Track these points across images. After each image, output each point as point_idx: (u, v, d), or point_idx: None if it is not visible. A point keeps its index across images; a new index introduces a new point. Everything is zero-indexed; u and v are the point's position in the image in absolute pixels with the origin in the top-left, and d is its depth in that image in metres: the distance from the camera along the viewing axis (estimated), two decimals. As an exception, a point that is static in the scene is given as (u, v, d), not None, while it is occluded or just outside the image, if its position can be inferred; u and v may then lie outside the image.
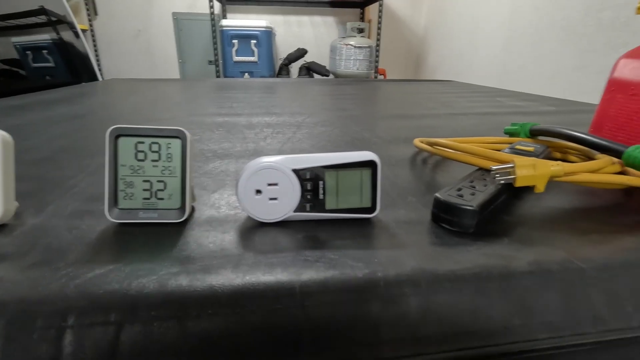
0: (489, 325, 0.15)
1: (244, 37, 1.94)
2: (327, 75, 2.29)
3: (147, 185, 0.22)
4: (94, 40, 2.44)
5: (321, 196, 0.23)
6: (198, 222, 0.22)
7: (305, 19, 2.51)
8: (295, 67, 2.36)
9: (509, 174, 0.24)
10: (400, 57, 2.64)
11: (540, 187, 0.24)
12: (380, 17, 2.17)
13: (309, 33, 2.55)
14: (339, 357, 0.15)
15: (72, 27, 1.40)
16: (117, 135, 0.21)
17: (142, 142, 0.22)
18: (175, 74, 2.58)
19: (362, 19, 2.51)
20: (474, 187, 0.24)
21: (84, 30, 2.39)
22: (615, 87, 0.37)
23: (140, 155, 0.22)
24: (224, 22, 1.96)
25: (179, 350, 0.14)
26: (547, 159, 0.34)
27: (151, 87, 1.02)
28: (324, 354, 0.15)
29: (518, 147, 0.33)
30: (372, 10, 2.33)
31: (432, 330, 0.15)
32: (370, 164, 0.23)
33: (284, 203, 0.22)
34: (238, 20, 2.00)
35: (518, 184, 0.24)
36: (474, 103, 0.79)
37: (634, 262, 0.17)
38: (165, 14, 2.43)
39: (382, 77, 2.49)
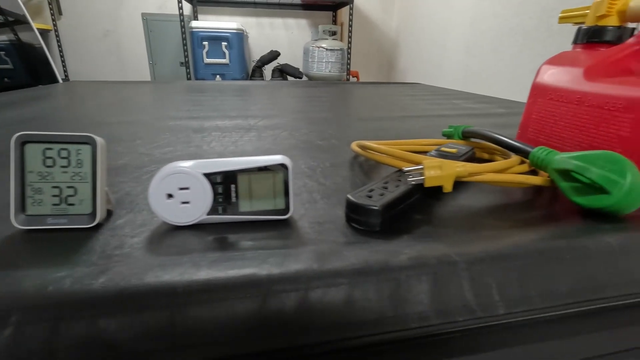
0: (364, 317, 0.16)
1: (215, 39, 1.93)
2: (301, 77, 2.30)
3: (56, 192, 0.22)
4: (58, 41, 2.36)
5: (234, 199, 0.23)
6: (111, 227, 0.23)
7: (278, 21, 2.52)
8: (269, 69, 2.36)
9: (420, 174, 0.26)
10: (373, 60, 2.69)
11: (448, 187, 0.26)
12: (350, 20, 2.20)
13: (283, 35, 2.56)
14: (216, 355, 0.15)
15: (29, 28, 1.35)
16: (24, 141, 0.21)
17: (51, 149, 0.22)
18: (147, 76, 2.52)
19: (334, 21, 2.53)
20: (386, 188, 0.26)
21: (47, 31, 2.31)
22: (537, 92, 0.40)
23: (49, 162, 0.22)
24: (194, 23, 1.94)
25: (53, 352, 0.14)
26: (471, 159, 0.36)
27: (113, 90, 1.00)
28: (196, 352, 0.15)
29: (444, 149, 0.35)
30: (344, 13, 2.36)
31: (309, 322, 0.16)
32: (282, 168, 0.24)
33: (196, 206, 0.23)
34: (208, 22, 1.99)
35: (427, 184, 0.26)
36: (431, 105, 0.82)
37: (505, 255, 0.19)
38: (134, 15, 2.37)
39: (355, 79, 2.52)
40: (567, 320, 0.20)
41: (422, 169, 0.26)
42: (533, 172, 0.32)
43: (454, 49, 1.82)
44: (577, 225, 0.23)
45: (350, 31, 2.23)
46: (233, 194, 0.23)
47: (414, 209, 0.27)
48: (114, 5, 2.34)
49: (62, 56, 2.39)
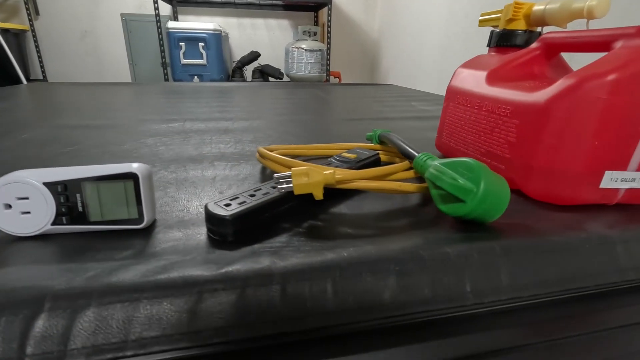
0: (165, 332, 0.16)
1: (192, 40, 1.92)
2: (281, 78, 2.29)
3: None
4: (35, 42, 2.33)
5: (80, 209, 0.23)
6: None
7: (259, 21, 2.51)
8: (249, 70, 2.35)
9: (290, 182, 0.26)
10: (355, 60, 2.69)
11: (318, 194, 0.26)
12: (329, 21, 2.20)
13: (264, 36, 2.55)
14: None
15: None
16: None
17: None
18: (127, 77, 2.50)
19: (316, 22, 2.53)
20: (253, 196, 0.25)
21: (24, 31, 2.28)
22: (449, 95, 0.39)
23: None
24: (170, 24, 1.92)
25: None
26: (374, 165, 0.36)
27: (79, 92, 0.98)
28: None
29: (345, 154, 0.35)
30: (325, 14, 2.35)
31: (82, 341, 0.15)
32: (132, 176, 0.23)
33: (38, 216, 0.22)
34: (185, 23, 1.97)
35: (297, 191, 0.26)
36: (387, 107, 0.82)
37: (325, 267, 0.18)
38: (113, 15, 2.35)
39: (337, 80, 2.52)
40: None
41: (290, 176, 0.25)
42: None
43: (429, 50, 1.83)
44: (433, 234, 0.23)
45: (329, 32, 2.23)
46: (79, 204, 0.23)
47: (288, 217, 0.26)
48: (92, 6, 2.31)
49: (39, 57, 2.36)
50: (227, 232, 0.23)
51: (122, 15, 2.35)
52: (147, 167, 0.24)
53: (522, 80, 0.34)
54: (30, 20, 2.28)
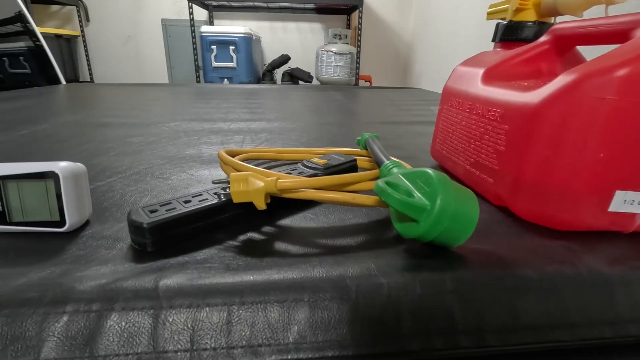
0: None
1: (223, 43, 1.96)
2: (310, 81, 2.28)
3: None
4: (85, 46, 2.50)
5: (1, 208, 0.21)
6: None
7: (291, 25, 2.52)
8: (280, 73, 2.36)
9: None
10: (388, 64, 2.62)
11: (259, 203, 0.23)
12: (360, 23, 2.16)
13: (296, 39, 2.55)
14: None
15: (32, 34, 1.42)
16: None
17: None
18: (165, 79, 2.61)
19: (348, 25, 2.50)
20: (188, 202, 0.23)
21: (75, 36, 2.45)
22: (444, 98, 0.35)
23: None
24: (203, 28, 1.98)
25: None
26: (347, 172, 0.32)
27: (111, 91, 1.03)
28: None
29: (315, 159, 0.31)
30: (356, 16, 2.31)
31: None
32: (52, 176, 0.21)
33: (-44, 215, 0.21)
34: (217, 27, 2.02)
35: (235, 200, 0.23)
36: (402, 111, 0.77)
37: (248, 287, 0.15)
38: (154, 21, 2.47)
39: (367, 83, 2.47)
40: None
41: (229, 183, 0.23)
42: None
43: (463, 54, 1.73)
44: (380, 259, 0.19)
45: (359, 35, 2.19)
46: (1, 203, 0.21)
47: (230, 227, 0.24)
48: (135, 12, 2.45)
49: (88, 60, 2.53)
50: (146, 242, 0.20)
51: (162, 20, 2.46)
52: (75, 167, 0.22)
53: (525, 79, 0.29)
54: (81, 26, 2.45)
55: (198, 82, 2.24)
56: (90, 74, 2.58)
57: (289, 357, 0.15)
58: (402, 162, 0.27)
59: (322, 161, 0.31)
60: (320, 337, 0.15)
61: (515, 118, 0.24)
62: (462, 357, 0.16)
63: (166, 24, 2.46)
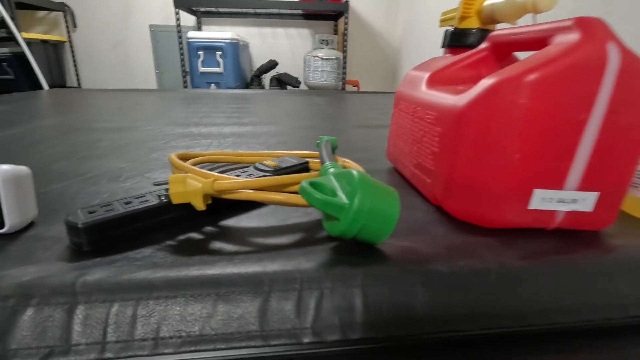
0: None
1: (209, 49, 1.97)
2: (298, 87, 2.30)
3: None
4: (72, 52, 2.49)
5: (-60, 211, 0.22)
6: None
7: (280, 30, 2.54)
8: (268, 78, 2.38)
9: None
10: (376, 68, 2.65)
11: (198, 204, 0.23)
12: (346, 29, 2.19)
13: (284, 45, 2.57)
14: None
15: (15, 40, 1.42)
16: None
17: None
18: (153, 84, 2.61)
19: (335, 31, 2.53)
20: (129, 204, 0.23)
21: (62, 42, 2.44)
22: (395, 101, 0.36)
23: None
24: (190, 34, 1.99)
25: None
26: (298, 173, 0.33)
27: (93, 97, 1.03)
28: None
29: (266, 162, 0.32)
30: (344, 22, 2.34)
31: None
32: (-7, 178, 0.22)
33: None
34: (204, 33, 2.03)
35: (174, 200, 0.24)
36: (381, 115, 0.79)
37: (162, 283, 0.16)
38: (142, 26, 2.47)
39: (355, 88, 2.49)
40: None
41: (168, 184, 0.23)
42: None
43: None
44: (306, 256, 0.20)
45: (345, 40, 2.21)
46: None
47: (175, 227, 0.24)
48: (123, 18, 2.45)
49: (75, 66, 2.52)
50: (81, 242, 0.21)
51: (150, 26, 2.46)
52: (18, 170, 0.23)
53: (465, 83, 0.30)
54: (68, 32, 2.45)
55: (185, 87, 2.25)
56: (78, 80, 2.57)
57: (197, 349, 0.15)
58: (351, 164, 0.28)
59: (273, 164, 0.31)
60: (231, 329, 0.16)
61: (446, 121, 0.25)
62: (364, 351, 0.17)
63: (154, 30, 2.47)
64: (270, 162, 0.32)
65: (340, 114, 0.81)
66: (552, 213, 0.23)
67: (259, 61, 2.53)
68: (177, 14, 2.05)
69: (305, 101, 1.06)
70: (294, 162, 0.33)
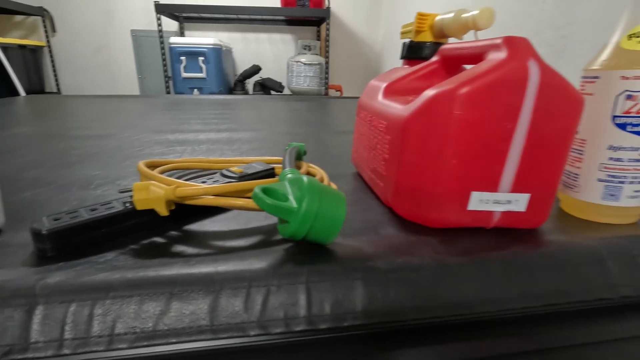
0: None
1: (192, 54, 1.97)
2: (281, 91, 2.32)
3: None
4: (51, 57, 2.45)
5: None
6: None
7: (263, 36, 2.56)
8: (252, 83, 2.39)
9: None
10: (358, 73, 2.69)
11: (161, 210, 0.25)
12: (328, 35, 2.22)
13: (268, 50, 2.59)
14: None
15: None
16: None
17: None
18: (136, 90, 2.59)
19: (318, 36, 2.56)
20: (94, 210, 0.25)
21: (40, 47, 2.40)
22: (357, 110, 0.38)
23: None
24: (172, 39, 1.99)
25: None
26: (261, 178, 0.35)
27: (72, 104, 1.02)
28: None
29: (233, 168, 0.34)
30: (325, 28, 2.38)
31: None
32: (-42, 189, 0.23)
33: None
34: (187, 38, 2.03)
35: (138, 207, 0.25)
36: (353, 120, 0.81)
37: (117, 283, 0.17)
38: (124, 31, 2.45)
39: (338, 93, 2.52)
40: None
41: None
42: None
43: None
44: (260, 256, 0.21)
45: (327, 46, 2.25)
46: None
47: (139, 232, 0.25)
48: (105, 23, 2.43)
49: (54, 71, 2.48)
50: (45, 248, 0.22)
51: (132, 31, 2.45)
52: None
53: (416, 94, 0.32)
54: (47, 37, 2.41)
55: (168, 92, 2.24)
56: (58, 86, 2.53)
57: (151, 343, 0.17)
58: (316, 169, 0.29)
59: (239, 170, 0.33)
60: (182, 324, 0.17)
61: (393, 129, 0.27)
62: (307, 342, 0.18)
63: (136, 35, 2.45)
64: (236, 169, 0.33)
65: (319, 119, 0.83)
66: (489, 213, 0.26)
67: (242, 66, 2.54)
68: (158, 19, 2.04)
69: (287, 107, 1.08)
70: (260, 168, 0.34)
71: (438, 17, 0.34)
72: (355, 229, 0.26)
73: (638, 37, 0.26)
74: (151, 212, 0.25)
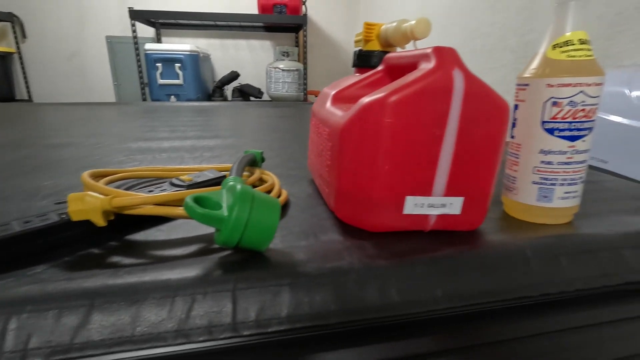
0: None
1: (168, 61, 1.95)
2: (260, 97, 2.32)
3: None
4: (22, 64, 2.38)
5: None
6: None
7: (242, 42, 2.56)
8: (230, 90, 2.38)
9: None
10: (337, 79, 2.69)
11: (98, 221, 0.25)
12: (305, 41, 2.24)
13: (246, 56, 2.59)
14: None
15: None
16: None
17: None
18: (111, 97, 2.54)
19: (297, 43, 2.58)
20: (27, 222, 0.24)
21: (10, 53, 2.33)
22: (311, 117, 0.39)
23: None
24: (148, 45, 1.97)
25: None
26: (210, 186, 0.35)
27: (40, 112, 0.99)
28: None
29: (183, 177, 0.34)
30: (303, 35, 2.40)
31: None
32: None
33: None
34: (163, 45, 2.02)
35: (74, 218, 0.25)
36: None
37: (38, 297, 0.17)
38: (99, 37, 2.41)
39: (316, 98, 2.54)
40: None
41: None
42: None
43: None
44: (190, 265, 0.21)
45: (305, 52, 2.27)
46: None
47: (75, 243, 0.25)
48: (78, 29, 2.38)
49: (25, 78, 2.41)
50: (-31, 262, 0.22)
51: (107, 37, 2.41)
52: None
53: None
54: (17, 43, 2.34)
55: (144, 99, 2.21)
56: (29, 93, 2.45)
57: (67, 357, 0.17)
58: (270, 176, 0.30)
59: (188, 178, 0.33)
60: (102, 336, 0.17)
61: (333, 136, 0.28)
62: (237, 348, 0.19)
63: (111, 41, 2.41)
64: (186, 177, 0.33)
65: (291, 125, 0.83)
66: (425, 217, 0.26)
67: (221, 72, 2.53)
68: (133, 25, 2.02)
69: (262, 113, 1.08)
70: (212, 176, 0.34)
71: (383, 27, 0.35)
72: (296, 234, 0.26)
73: (561, 47, 0.28)
74: (88, 223, 0.25)
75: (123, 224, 0.28)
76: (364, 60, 0.37)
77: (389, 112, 0.24)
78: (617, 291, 0.24)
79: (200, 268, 0.21)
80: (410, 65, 0.28)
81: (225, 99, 2.36)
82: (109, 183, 0.33)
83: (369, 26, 0.36)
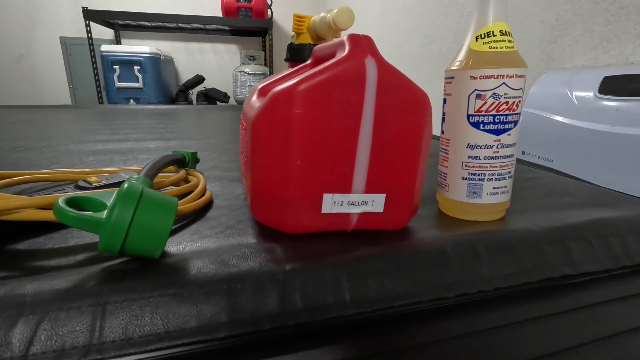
0: None
1: (127, 63, 1.87)
2: (226, 102, 2.26)
3: None
4: (-35, 65, 2.21)
5: None
6: None
7: (207, 46, 2.50)
8: (195, 94, 2.31)
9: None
10: (306, 84, 2.71)
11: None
12: (271, 46, 2.22)
13: (212, 60, 2.53)
14: None
15: None
16: None
17: None
18: (67, 100, 2.40)
19: (264, 47, 2.55)
20: None
21: (-49, 54, 2.16)
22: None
23: None
24: (104, 47, 1.87)
25: None
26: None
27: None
28: None
29: (90, 179, 0.30)
30: (269, 39, 2.38)
31: None
32: None
33: None
34: (120, 46, 1.92)
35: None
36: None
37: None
38: (51, 39, 2.27)
39: (286, 103, 2.52)
40: None
41: None
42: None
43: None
44: (79, 271, 0.18)
45: (271, 57, 2.25)
46: None
47: None
48: (27, 30, 2.24)
49: (-31, 80, 2.24)
50: None
51: (61, 38, 2.28)
52: None
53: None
54: (-41, 43, 2.17)
55: (101, 103, 2.10)
56: (-27, 96, 2.28)
57: None
58: (197, 176, 0.27)
59: (97, 180, 0.30)
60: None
61: (248, 130, 0.26)
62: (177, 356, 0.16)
63: (66, 43, 2.28)
64: (94, 179, 0.30)
65: (215, 126, 0.80)
66: (346, 216, 0.25)
67: (186, 76, 2.46)
68: (88, 26, 1.92)
69: (223, 116, 1.04)
70: (126, 177, 0.31)
71: (312, 19, 0.33)
72: (205, 238, 0.24)
73: (484, 38, 0.27)
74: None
75: (8, 231, 0.24)
76: (295, 54, 0.35)
77: (298, 101, 0.22)
78: (538, 288, 0.23)
79: (72, 280, 0.18)
80: (331, 55, 0.27)
81: (190, 103, 2.29)
82: (3, 187, 0.29)
83: (299, 18, 0.34)
